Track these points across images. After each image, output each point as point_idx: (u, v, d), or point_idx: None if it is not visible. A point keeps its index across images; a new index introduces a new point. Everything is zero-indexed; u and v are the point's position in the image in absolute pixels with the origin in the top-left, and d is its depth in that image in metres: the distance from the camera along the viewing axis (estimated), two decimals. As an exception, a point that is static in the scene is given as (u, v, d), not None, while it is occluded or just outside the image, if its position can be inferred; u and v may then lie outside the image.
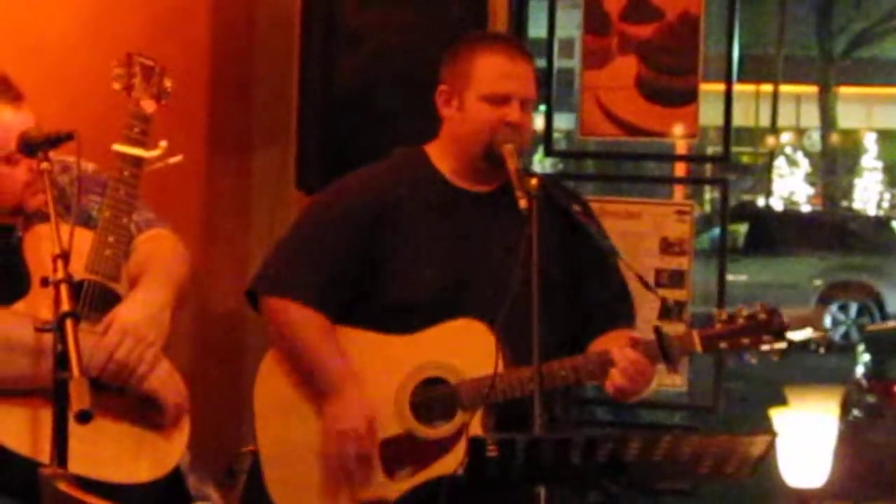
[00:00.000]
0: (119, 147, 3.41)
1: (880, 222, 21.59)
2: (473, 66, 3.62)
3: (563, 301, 3.62)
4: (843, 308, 16.13)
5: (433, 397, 3.55)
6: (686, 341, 3.46)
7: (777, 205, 25.55)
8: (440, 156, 3.72)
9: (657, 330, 3.44)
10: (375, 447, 3.56)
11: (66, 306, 2.87)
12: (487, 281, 3.54)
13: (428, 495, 3.46)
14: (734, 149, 5.54)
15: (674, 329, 3.51)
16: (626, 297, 3.77)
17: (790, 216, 22.52)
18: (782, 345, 3.43)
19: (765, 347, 3.44)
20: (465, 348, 3.52)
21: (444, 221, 3.67)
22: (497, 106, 3.57)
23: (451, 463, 3.45)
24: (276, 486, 3.66)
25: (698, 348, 3.46)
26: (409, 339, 3.58)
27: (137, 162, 3.41)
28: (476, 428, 3.48)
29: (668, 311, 3.46)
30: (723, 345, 3.45)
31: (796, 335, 3.43)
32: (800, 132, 28.05)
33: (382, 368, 3.58)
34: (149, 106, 3.47)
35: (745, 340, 3.43)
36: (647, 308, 3.85)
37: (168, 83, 3.53)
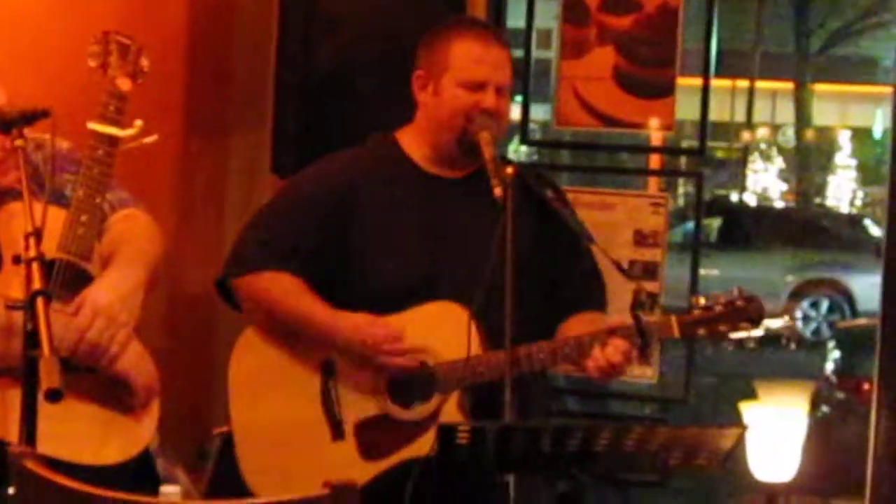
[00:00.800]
0: (94, 125, 3.39)
1: (853, 220, 21.67)
2: (450, 52, 3.63)
3: (537, 286, 3.63)
4: (815, 304, 16.19)
5: (410, 379, 3.56)
6: (664, 326, 3.48)
7: (750, 200, 25.61)
8: (412, 142, 3.73)
9: (635, 315, 3.45)
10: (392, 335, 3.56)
11: (37, 285, 2.85)
12: (461, 266, 3.54)
13: (403, 477, 3.46)
14: (709, 143, 5.53)
15: (651, 315, 3.53)
16: (598, 281, 3.78)
17: (763, 212, 22.60)
18: (758, 331, 3.45)
19: (741, 334, 3.46)
20: (442, 331, 3.52)
21: (416, 207, 3.68)
22: (473, 92, 3.58)
23: (426, 445, 3.46)
24: (250, 467, 3.66)
25: (676, 333, 3.48)
26: (386, 320, 3.57)
27: (112, 141, 3.39)
28: (452, 410, 3.50)
29: (641, 303, 3.46)
30: (700, 331, 3.46)
31: (772, 322, 3.47)
32: (775, 128, 28.11)
33: None
34: (124, 84, 3.45)
35: (723, 327, 3.45)
36: (619, 298, 3.85)
37: (145, 62, 3.51)
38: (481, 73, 3.59)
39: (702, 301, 3.47)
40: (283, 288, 3.63)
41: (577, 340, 3.51)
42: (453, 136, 3.60)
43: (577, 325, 3.63)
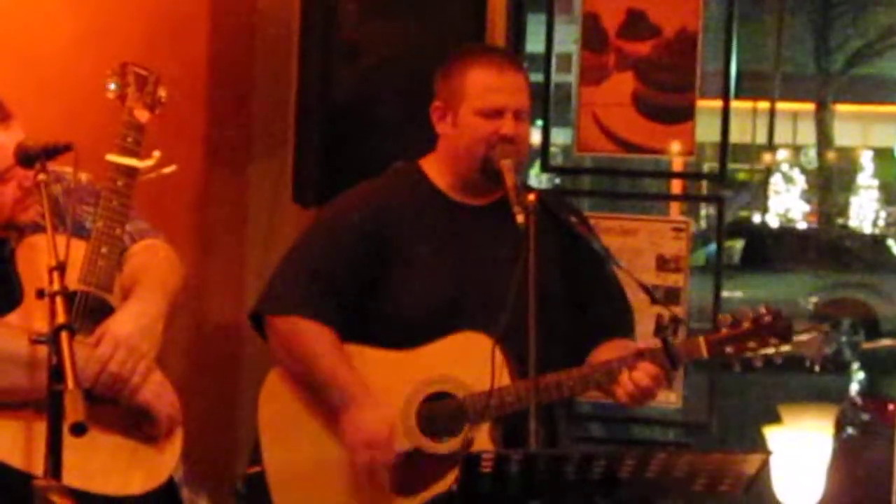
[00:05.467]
0: (112, 157, 3.40)
1: (875, 240, 21.60)
2: (465, 82, 3.63)
3: (564, 311, 3.62)
4: (838, 326, 16.12)
5: (440, 411, 3.54)
6: (692, 347, 3.46)
7: (773, 222, 25.58)
8: (436, 170, 3.72)
9: (663, 338, 3.42)
10: (395, 455, 3.54)
11: (61, 318, 2.85)
12: (486, 294, 3.53)
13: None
14: (730, 165, 5.53)
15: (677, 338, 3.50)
16: (626, 307, 3.77)
17: (786, 233, 22.55)
18: (787, 347, 3.42)
19: (770, 350, 3.42)
20: (470, 361, 3.50)
21: (443, 235, 3.67)
22: (491, 119, 3.57)
23: None
24: None
25: (705, 354, 3.45)
26: (413, 353, 3.57)
27: (131, 172, 3.40)
28: (484, 441, 3.48)
29: (664, 328, 3.44)
30: (728, 349, 3.44)
31: (801, 337, 3.42)
32: (796, 149, 28.08)
33: (388, 384, 3.56)
34: (142, 115, 3.46)
35: (751, 344, 3.42)
36: (644, 323, 3.85)
37: (162, 93, 3.52)
38: (498, 100, 3.58)
39: (728, 319, 3.44)
40: (314, 340, 3.60)
41: (606, 366, 3.50)
42: (475, 165, 3.59)
43: (607, 353, 3.61)
